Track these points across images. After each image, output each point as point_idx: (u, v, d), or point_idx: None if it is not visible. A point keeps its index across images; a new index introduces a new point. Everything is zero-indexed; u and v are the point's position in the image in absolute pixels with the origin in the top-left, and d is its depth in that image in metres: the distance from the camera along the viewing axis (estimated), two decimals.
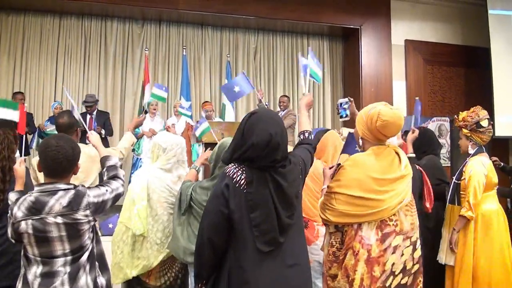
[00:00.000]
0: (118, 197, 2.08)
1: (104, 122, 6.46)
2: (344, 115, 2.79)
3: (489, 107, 7.54)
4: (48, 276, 1.86)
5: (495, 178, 3.23)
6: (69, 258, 1.88)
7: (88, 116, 6.41)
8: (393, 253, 1.96)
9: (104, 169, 2.22)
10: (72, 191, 1.90)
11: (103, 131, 6.19)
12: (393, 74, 7.64)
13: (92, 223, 1.95)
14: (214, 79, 7.66)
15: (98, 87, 7.17)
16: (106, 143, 5.94)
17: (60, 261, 1.87)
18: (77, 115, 2.96)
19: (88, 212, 1.90)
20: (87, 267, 1.93)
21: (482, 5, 7.36)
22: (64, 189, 1.89)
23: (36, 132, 6.24)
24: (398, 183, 2.01)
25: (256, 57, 7.92)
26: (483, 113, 3.24)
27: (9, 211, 1.89)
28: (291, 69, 8.05)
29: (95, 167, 2.97)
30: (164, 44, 7.47)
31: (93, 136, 2.50)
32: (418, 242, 2.06)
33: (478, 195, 3.05)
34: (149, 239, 2.60)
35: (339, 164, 2.14)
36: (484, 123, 3.22)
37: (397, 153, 2.10)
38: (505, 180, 5.02)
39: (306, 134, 2.12)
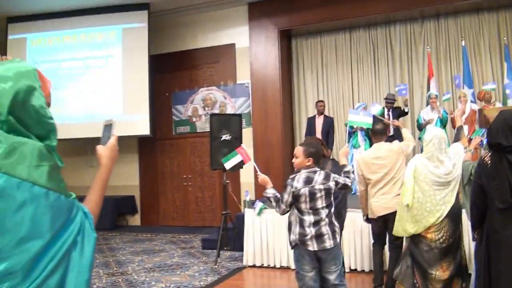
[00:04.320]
0: (345, 186, 3.39)
1: (398, 115, 7.36)
2: None
3: None
4: (317, 222, 3.17)
5: None
6: (326, 210, 3.19)
7: (386, 111, 7.37)
8: None
9: (342, 172, 3.45)
10: (324, 172, 3.26)
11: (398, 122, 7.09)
12: None
13: (333, 191, 3.27)
14: (494, 63, 7.84)
15: (389, 86, 8.24)
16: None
17: (323, 212, 3.17)
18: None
19: (333, 183, 3.24)
20: (333, 216, 3.25)
21: None
22: (319, 170, 3.27)
23: None
24: None
25: None
26: None
27: (288, 184, 3.24)
28: None
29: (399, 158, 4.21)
30: (444, 38, 8.09)
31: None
32: None
33: None
34: (420, 208, 3.42)
35: None
36: None
37: None
38: None
39: None
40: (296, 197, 3.17)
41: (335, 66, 8.52)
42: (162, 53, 8.97)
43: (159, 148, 9.19)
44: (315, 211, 3.15)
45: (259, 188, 7.94)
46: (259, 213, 5.76)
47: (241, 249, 5.95)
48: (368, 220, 4.43)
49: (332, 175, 3.28)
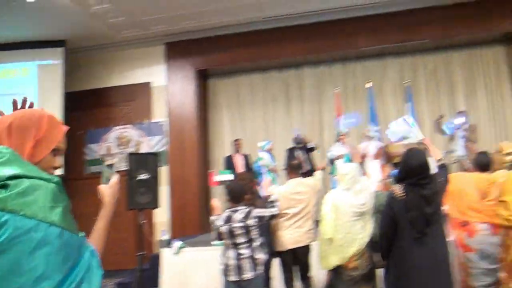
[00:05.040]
0: (273, 217, 3.73)
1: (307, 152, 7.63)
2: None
3: None
4: (238, 255, 3.50)
5: None
6: (246, 244, 3.48)
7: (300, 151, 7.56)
8: None
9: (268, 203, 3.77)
10: (246, 210, 3.52)
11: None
12: None
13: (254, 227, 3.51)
14: (398, 103, 8.44)
15: (300, 123, 8.58)
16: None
17: (243, 246, 3.47)
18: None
19: (253, 220, 3.50)
20: (256, 249, 3.48)
21: None
22: (242, 209, 3.57)
23: None
24: None
25: (435, 75, 8.43)
26: None
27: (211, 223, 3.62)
28: (472, 82, 8.46)
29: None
30: (351, 80, 8.63)
31: None
32: None
33: None
34: (342, 239, 3.53)
35: None
36: None
37: None
38: None
39: (441, 162, 3.27)
40: (219, 234, 3.53)
41: (251, 105, 8.78)
42: (78, 90, 8.77)
43: (71, 188, 8.77)
44: (236, 245, 3.45)
45: (175, 227, 7.77)
46: (178, 252, 5.63)
47: None
48: (274, 253, 4.40)
49: (255, 211, 3.54)
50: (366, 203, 3.60)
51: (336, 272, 3.59)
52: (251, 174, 4.79)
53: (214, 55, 8.36)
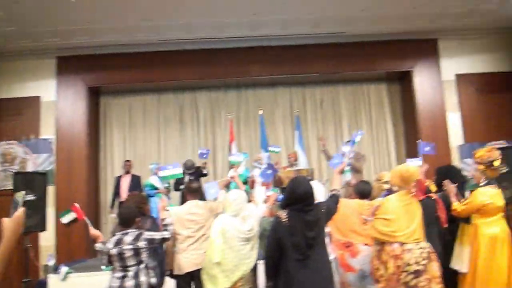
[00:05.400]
0: (164, 240, 3.74)
1: (197, 177, 7.70)
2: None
3: None
4: (123, 277, 3.54)
5: (499, 203, 4.07)
6: (134, 267, 3.52)
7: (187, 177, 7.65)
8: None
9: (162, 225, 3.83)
10: (136, 232, 3.59)
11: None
12: (447, 106, 8.48)
13: (143, 250, 3.57)
14: (287, 131, 8.90)
15: (193, 146, 8.73)
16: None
17: (131, 269, 3.51)
18: None
19: (143, 243, 3.56)
20: (143, 271, 3.56)
21: None
22: (132, 231, 3.61)
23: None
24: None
25: (323, 107, 8.97)
26: (496, 154, 4.12)
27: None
28: (356, 114, 9.19)
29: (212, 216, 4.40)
30: (244, 107, 8.94)
31: None
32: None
33: (461, 210, 4.07)
34: (229, 263, 3.68)
35: None
36: (497, 163, 4.11)
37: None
38: None
39: (334, 192, 3.50)
40: (108, 257, 3.56)
41: (143, 126, 8.77)
42: None
43: None
44: (124, 268, 3.52)
45: (62, 252, 7.52)
46: (65, 278, 5.48)
47: None
48: (172, 275, 4.44)
49: (145, 234, 3.60)
50: (253, 229, 3.78)
51: None
52: (143, 196, 4.75)
53: (107, 73, 8.22)
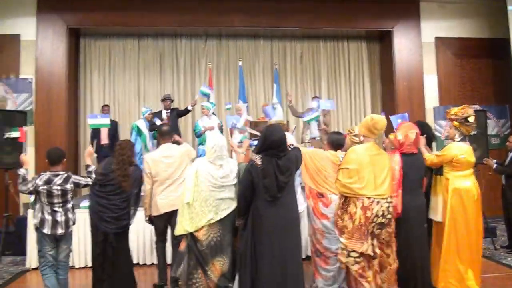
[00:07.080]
0: (87, 185, 4.12)
1: (177, 115, 7.91)
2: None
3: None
4: (53, 212, 3.96)
5: (471, 159, 4.31)
6: (61, 204, 3.92)
7: (165, 112, 7.79)
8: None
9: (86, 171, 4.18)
10: (65, 175, 3.98)
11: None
12: (425, 69, 8.67)
13: (69, 191, 3.99)
14: (266, 84, 9.01)
15: (172, 93, 8.81)
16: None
17: (57, 206, 3.92)
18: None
19: (70, 185, 3.97)
20: (69, 210, 4.02)
21: (503, 1, 8.08)
22: (61, 174, 4.00)
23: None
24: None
25: (303, 62, 9.06)
26: (471, 111, 4.35)
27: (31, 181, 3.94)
28: (335, 71, 9.33)
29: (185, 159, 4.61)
30: (224, 57, 9.06)
31: None
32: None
33: (436, 160, 4.26)
34: (197, 207, 3.68)
35: None
36: (471, 119, 4.33)
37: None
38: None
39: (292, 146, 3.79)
40: (37, 192, 3.89)
41: (123, 70, 8.80)
42: None
43: None
44: (52, 205, 3.89)
45: None
46: None
47: (23, 253, 5.77)
48: (150, 221, 4.62)
49: (73, 177, 3.99)
50: (227, 176, 3.73)
51: (192, 239, 3.68)
52: (131, 143, 4.77)
53: (87, 14, 8.09)
